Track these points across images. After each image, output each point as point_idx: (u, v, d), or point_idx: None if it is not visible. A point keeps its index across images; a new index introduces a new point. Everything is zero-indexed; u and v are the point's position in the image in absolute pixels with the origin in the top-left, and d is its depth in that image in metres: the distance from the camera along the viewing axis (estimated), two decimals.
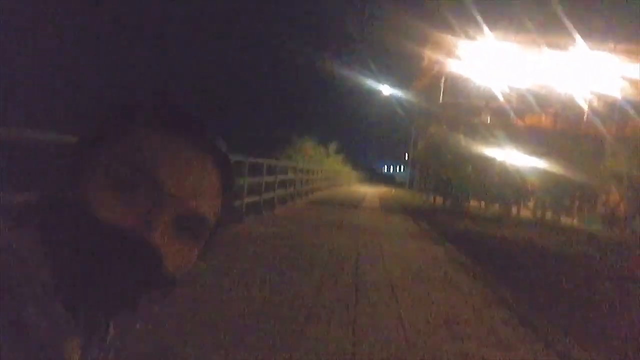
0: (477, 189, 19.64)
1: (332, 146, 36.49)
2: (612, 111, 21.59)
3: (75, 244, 0.50)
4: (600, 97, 21.66)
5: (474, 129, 19.90)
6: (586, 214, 19.75)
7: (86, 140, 0.57)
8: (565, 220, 19.19)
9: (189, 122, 0.58)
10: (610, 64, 19.66)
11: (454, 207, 19.11)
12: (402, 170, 74.46)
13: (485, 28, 18.36)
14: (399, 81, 40.64)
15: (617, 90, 20.96)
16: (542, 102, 21.96)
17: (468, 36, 18.69)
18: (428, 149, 26.11)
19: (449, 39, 18.88)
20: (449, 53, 20.48)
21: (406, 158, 50.97)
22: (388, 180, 64.18)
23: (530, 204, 20.33)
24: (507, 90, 21.64)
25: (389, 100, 38.86)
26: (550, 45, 18.82)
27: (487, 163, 19.09)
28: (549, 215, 19.29)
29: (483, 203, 20.85)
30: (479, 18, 17.87)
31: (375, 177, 62.15)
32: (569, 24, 17.14)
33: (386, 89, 37.02)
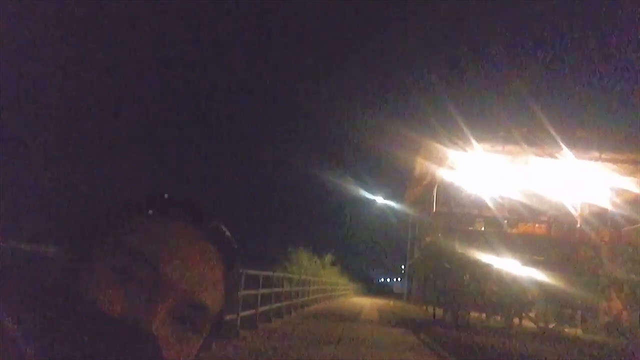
0: (476, 299, 19.24)
1: (328, 258, 36.17)
2: (605, 219, 21.81)
3: (74, 334, 0.48)
4: (590, 205, 21.98)
5: (469, 238, 19.93)
6: (589, 324, 19.23)
7: (85, 230, 0.57)
8: (569, 330, 18.64)
9: (188, 209, 0.58)
10: (597, 172, 20.19)
11: (454, 319, 18.60)
12: (399, 280, 73.38)
13: (473, 141, 19.05)
14: (392, 191, 41.41)
15: (606, 199, 21.33)
16: (534, 210, 22.23)
17: (458, 146, 19.32)
18: (424, 259, 25.94)
19: (439, 148, 19.49)
20: (440, 162, 21.05)
21: (403, 268, 50.45)
22: (385, 291, 62.96)
23: (532, 315, 19.83)
24: (499, 199, 21.98)
25: (383, 210, 39.39)
26: (537, 154, 19.43)
27: (485, 271, 18.90)
28: (552, 325, 18.75)
29: (484, 315, 20.33)
30: (466, 130, 18.60)
31: (372, 288, 61.00)
32: (554, 133, 17.84)
33: (380, 199, 37.65)
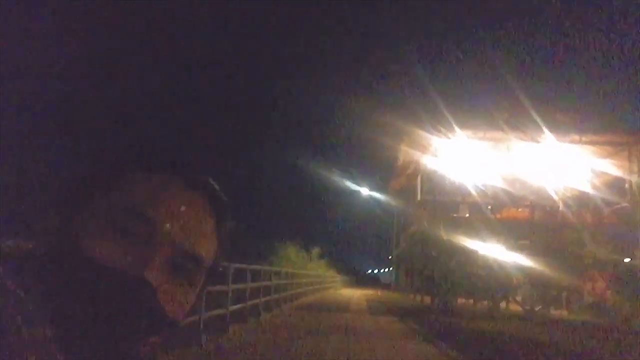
0: (463, 285, 19.43)
1: (316, 251, 36.26)
2: (586, 201, 22.15)
3: (72, 288, 0.49)
4: (572, 189, 22.29)
5: (454, 225, 20.09)
6: (574, 305, 19.54)
7: (81, 184, 0.58)
8: (554, 312, 18.93)
9: (181, 165, 0.59)
10: (578, 155, 20.48)
11: (442, 305, 18.77)
12: (386, 271, 73.84)
13: (456, 127, 19.18)
14: (377, 182, 41.58)
15: (587, 182, 21.65)
16: (517, 195, 22.47)
17: (441, 133, 19.44)
18: (410, 248, 26.12)
19: (422, 135, 19.58)
20: (424, 150, 21.15)
21: (389, 258, 50.75)
22: (373, 281, 63.39)
23: (519, 298, 20.08)
24: (482, 185, 22.17)
25: (369, 201, 39.53)
26: (519, 138, 19.62)
27: (470, 258, 19.07)
28: (538, 308, 19.02)
29: (472, 300, 20.54)
30: (449, 117, 18.72)
31: (359, 279, 61.33)
32: (535, 117, 18.04)
33: (365, 191, 37.76)
